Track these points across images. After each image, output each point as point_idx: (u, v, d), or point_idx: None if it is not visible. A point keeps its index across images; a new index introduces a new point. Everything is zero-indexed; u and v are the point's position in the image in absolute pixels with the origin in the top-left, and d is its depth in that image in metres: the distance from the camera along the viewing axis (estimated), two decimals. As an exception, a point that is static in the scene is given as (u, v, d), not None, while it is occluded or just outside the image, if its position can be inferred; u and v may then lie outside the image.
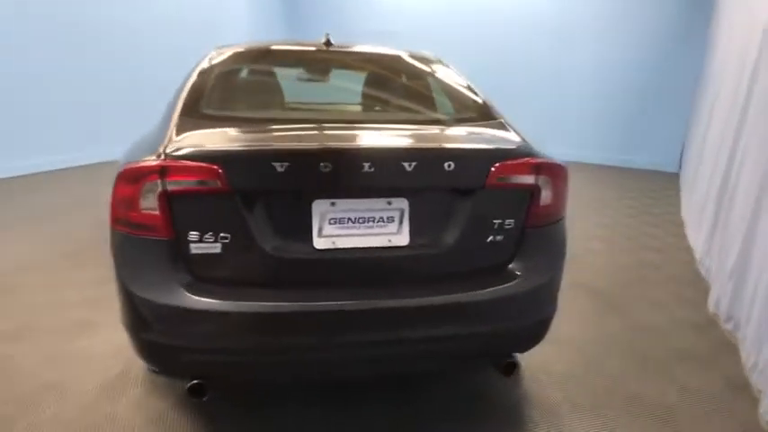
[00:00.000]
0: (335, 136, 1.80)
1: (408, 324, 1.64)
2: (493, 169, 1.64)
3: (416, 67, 2.57)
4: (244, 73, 2.44)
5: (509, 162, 1.67)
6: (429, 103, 2.40)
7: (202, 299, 1.53)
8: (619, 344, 2.68)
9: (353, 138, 1.78)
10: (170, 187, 1.50)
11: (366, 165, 1.55)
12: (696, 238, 4.16)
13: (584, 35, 8.12)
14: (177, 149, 1.55)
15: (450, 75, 2.44)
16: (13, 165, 5.87)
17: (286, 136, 1.78)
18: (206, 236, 1.55)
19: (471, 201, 1.67)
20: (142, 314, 1.58)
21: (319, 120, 2.12)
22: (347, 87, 2.73)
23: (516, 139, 1.85)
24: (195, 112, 1.86)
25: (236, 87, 2.32)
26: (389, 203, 1.65)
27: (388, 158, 1.61)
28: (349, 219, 1.63)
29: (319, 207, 1.61)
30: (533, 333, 1.85)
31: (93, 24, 6.72)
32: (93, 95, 6.74)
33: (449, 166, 1.60)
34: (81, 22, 6.55)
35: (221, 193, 1.52)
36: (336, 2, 9.96)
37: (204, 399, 1.66)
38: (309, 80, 2.61)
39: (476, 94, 2.24)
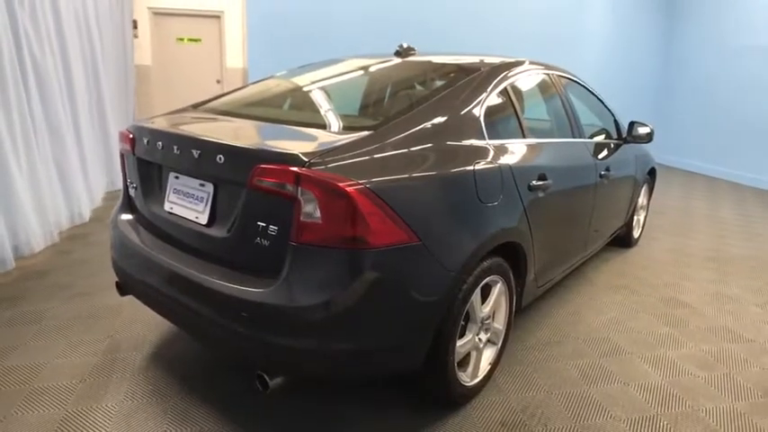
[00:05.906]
0: (194, 124, 2.16)
1: (187, 295, 1.82)
2: (254, 169, 1.64)
3: (425, 77, 2.54)
4: (284, 79, 2.85)
5: (267, 165, 1.63)
6: (363, 107, 2.50)
7: (124, 228, 2.21)
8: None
9: (200, 128, 2.08)
10: (119, 147, 2.29)
11: (175, 147, 1.90)
12: None
13: None
14: (135, 123, 2.23)
15: (456, 90, 2.21)
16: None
17: (174, 121, 2.19)
18: (132, 183, 2.25)
19: (245, 198, 1.72)
20: (111, 236, 2.29)
21: (249, 116, 2.25)
22: (343, 94, 2.74)
23: (309, 146, 1.71)
24: (204, 103, 2.56)
25: (258, 90, 2.71)
26: (202, 186, 1.90)
27: (189, 145, 1.85)
28: (181, 191, 1.98)
29: (171, 178, 2.03)
30: (275, 356, 1.69)
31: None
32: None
33: (220, 159, 1.74)
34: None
35: (131, 155, 2.20)
36: (712, 10, 8.91)
37: (123, 296, 2.38)
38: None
39: (411, 106, 2.06)
